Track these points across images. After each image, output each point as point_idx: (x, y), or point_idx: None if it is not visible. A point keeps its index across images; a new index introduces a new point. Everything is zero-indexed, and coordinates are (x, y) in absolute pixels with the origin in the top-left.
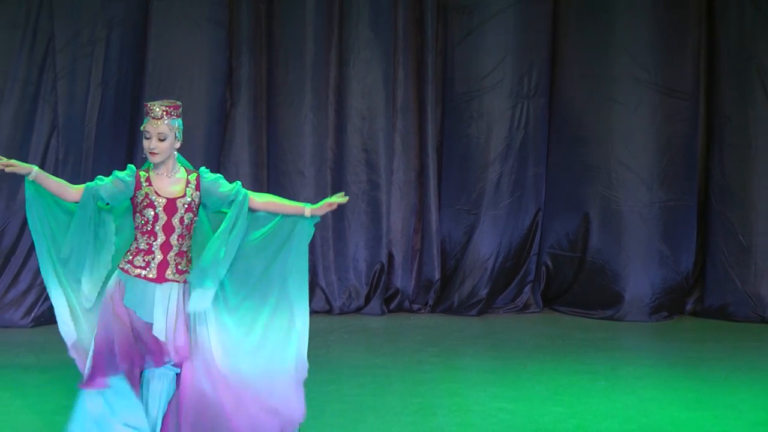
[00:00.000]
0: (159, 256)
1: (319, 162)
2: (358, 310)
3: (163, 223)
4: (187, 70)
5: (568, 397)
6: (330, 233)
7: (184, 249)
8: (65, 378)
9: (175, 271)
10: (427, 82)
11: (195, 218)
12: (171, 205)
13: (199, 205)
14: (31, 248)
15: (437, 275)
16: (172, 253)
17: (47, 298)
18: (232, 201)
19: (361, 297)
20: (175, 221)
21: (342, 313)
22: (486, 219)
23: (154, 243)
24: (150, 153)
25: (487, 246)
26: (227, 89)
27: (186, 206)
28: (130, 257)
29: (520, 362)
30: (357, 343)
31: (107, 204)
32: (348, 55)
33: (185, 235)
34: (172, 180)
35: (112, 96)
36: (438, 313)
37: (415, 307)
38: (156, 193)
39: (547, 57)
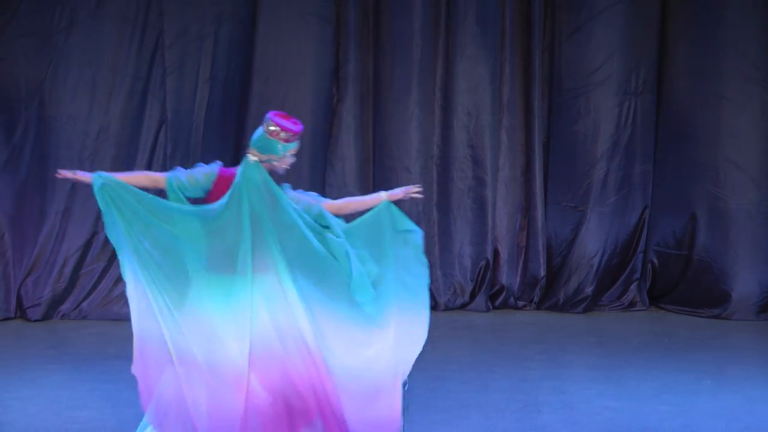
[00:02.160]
0: None
1: (424, 158)
2: (463, 306)
3: None
4: (294, 66)
5: (674, 396)
6: (435, 229)
7: None
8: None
9: None
10: (533, 78)
11: None
12: None
13: None
14: None
15: (543, 272)
16: None
17: None
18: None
19: (467, 293)
20: None
21: (447, 309)
22: (592, 216)
23: None
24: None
25: (593, 243)
26: (334, 85)
27: None
28: None
29: (626, 360)
30: (462, 339)
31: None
32: (455, 51)
33: None
34: None
35: (220, 91)
36: (543, 310)
37: (521, 303)
38: None
39: (655, 53)
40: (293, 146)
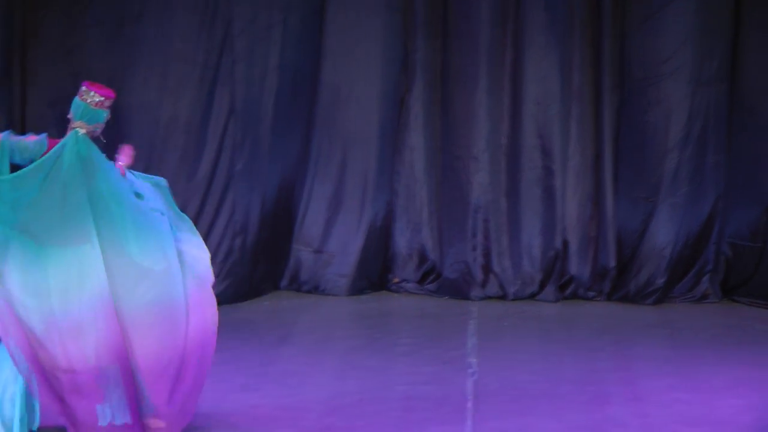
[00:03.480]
0: None
1: (493, 147)
2: (532, 296)
3: None
4: (362, 55)
5: (747, 390)
6: (504, 219)
7: None
8: (242, 357)
9: None
10: (603, 67)
11: None
12: None
13: None
14: (209, 228)
15: (613, 263)
16: None
17: (225, 278)
18: None
19: (535, 283)
20: None
21: (516, 299)
22: (664, 207)
23: None
24: None
25: (664, 234)
26: (402, 74)
27: None
28: None
29: (697, 352)
30: (531, 330)
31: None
32: (524, 39)
33: None
34: None
35: (288, 80)
36: (613, 301)
37: (590, 294)
38: None
39: (729, 42)
40: (107, 113)
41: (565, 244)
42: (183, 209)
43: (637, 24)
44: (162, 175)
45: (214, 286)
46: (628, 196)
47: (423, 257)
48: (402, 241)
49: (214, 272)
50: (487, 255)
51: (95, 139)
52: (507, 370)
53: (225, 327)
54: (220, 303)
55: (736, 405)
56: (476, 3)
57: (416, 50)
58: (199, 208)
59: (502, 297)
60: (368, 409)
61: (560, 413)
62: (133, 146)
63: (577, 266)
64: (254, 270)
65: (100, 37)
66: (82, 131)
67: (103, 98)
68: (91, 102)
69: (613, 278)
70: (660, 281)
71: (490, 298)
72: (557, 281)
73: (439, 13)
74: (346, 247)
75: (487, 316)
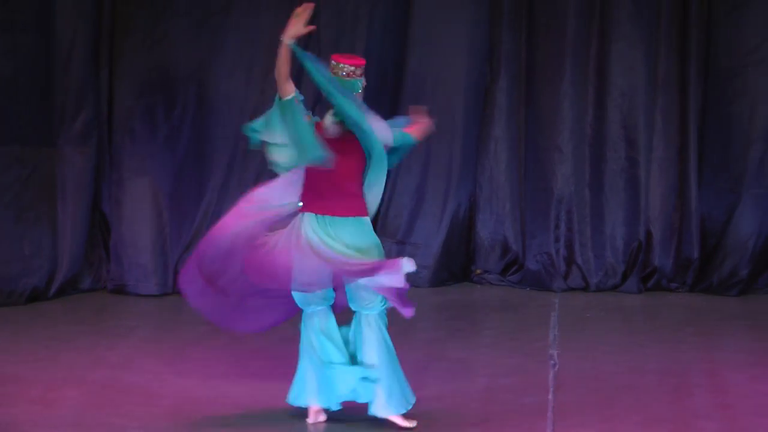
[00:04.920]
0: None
1: (577, 138)
2: (614, 287)
3: None
4: (447, 46)
5: None
6: (587, 210)
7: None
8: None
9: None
10: (689, 58)
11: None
12: None
13: None
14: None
15: (696, 254)
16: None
17: None
18: None
19: (618, 274)
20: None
21: (598, 290)
22: (748, 198)
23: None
24: None
25: (748, 225)
26: (487, 65)
27: None
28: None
29: None
30: (613, 320)
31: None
32: (609, 30)
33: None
34: None
35: (374, 71)
36: (696, 293)
37: (673, 285)
38: None
39: None
40: (362, 81)
41: (649, 235)
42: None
43: (723, 14)
44: (247, 166)
45: None
46: (712, 187)
47: (506, 248)
48: (485, 233)
49: None
50: (569, 246)
51: None
52: (588, 362)
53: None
54: None
55: None
56: None
57: (501, 42)
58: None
59: (585, 288)
60: (450, 402)
61: (642, 405)
62: (218, 137)
63: (660, 257)
64: None
65: (187, 27)
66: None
67: (353, 67)
68: (343, 74)
69: (696, 269)
70: (744, 273)
71: (572, 289)
72: (640, 272)
73: (525, 5)
74: (429, 238)
75: (570, 307)
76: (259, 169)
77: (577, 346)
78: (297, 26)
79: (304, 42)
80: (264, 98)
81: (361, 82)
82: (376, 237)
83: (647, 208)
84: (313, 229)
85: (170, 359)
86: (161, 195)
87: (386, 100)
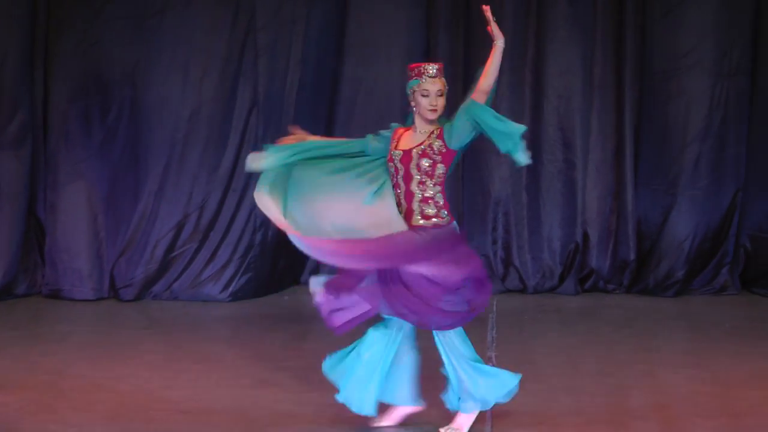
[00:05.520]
0: (404, 205)
1: None
2: (552, 289)
3: (403, 173)
4: (385, 48)
5: (765, 381)
6: (524, 212)
7: (429, 194)
8: (262, 352)
9: (420, 217)
10: (625, 60)
11: (439, 164)
12: (406, 155)
13: (444, 152)
14: (230, 223)
15: (633, 255)
16: (415, 201)
17: (245, 272)
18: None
19: (556, 276)
20: (413, 169)
21: (536, 292)
22: (683, 199)
23: (400, 193)
24: (431, 110)
25: (684, 226)
26: None
27: (420, 153)
28: None
29: (717, 345)
30: (551, 322)
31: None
32: (546, 33)
33: (425, 181)
34: (417, 134)
35: (310, 73)
36: (633, 294)
37: (610, 287)
38: (395, 147)
39: (750, 35)
40: (414, 83)
41: (586, 237)
42: (204, 203)
43: (658, 17)
44: (183, 170)
45: None
46: (648, 189)
47: None
48: None
49: (235, 267)
50: (507, 248)
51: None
52: (527, 364)
53: (245, 321)
54: (240, 297)
55: (755, 397)
56: None
57: (438, 43)
58: (221, 203)
59: (522, 290)
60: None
61: (581, 406)
62: (155, 140)
63: (597, 259)
64: (275, 264)
65: (123, 30)
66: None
67: (411, 69)
68: (414, 75)
69: (632, 271)
70: (679, 274)
71: (510, 291)
72: (577, 274)
73: (462, 8)
74: None
75: (507, 309)
76: (195, 172)
77: (515, 348)
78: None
79: (241, 48)
80: (201, 100)
81: (416, 83)
82: None
83: (584, 210)
84: None
85: (106, 364)
86: (96, 199)
87: (323, 103)
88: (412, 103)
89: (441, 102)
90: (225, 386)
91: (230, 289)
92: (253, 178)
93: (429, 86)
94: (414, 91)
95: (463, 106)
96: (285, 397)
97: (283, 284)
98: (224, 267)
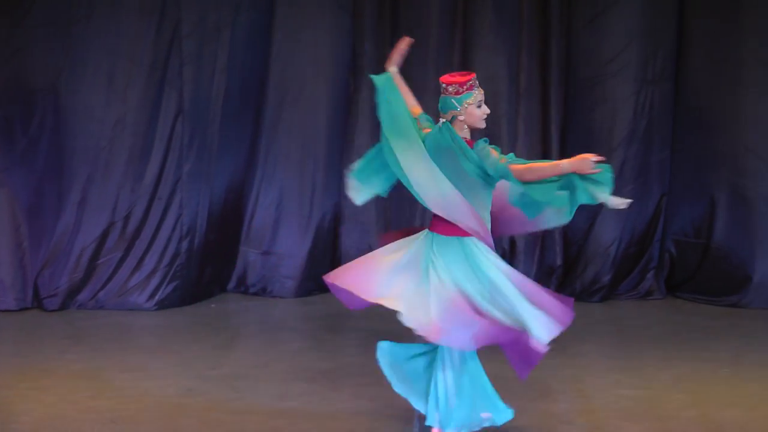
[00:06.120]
0: None
1: None
2: None
3: None
4: (311, 56)
5: (691, 385)
6: None
7: None
8: (188, 361)
9: None
10: (551, 67)
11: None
12: None
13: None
14: (156, 231)
15: (559, 261)
16: None
17: (171, 280)
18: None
19: None
20: None
21: None
22: None
23: None
24: (484, 120)
25: (610, 232)
26: (351, 74)
27: None
28: None
29: (643, 349)
30: None
31: None
32: (472, 39)
33: None
34: None
35: (237, 81)
36: None
37: None
38: None
39: (674, 41)
40: (468, 96)
41: (512, 243)
42: (130, 212)
43: (582, 24)
44: (108, 178)
45: None
46: None
47: None
48: (350, 242)
49: (161, 276)
50: None
51: (472, 129)
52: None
53: (171, 330)
54: (167, 306)
55: (681, 400)
56: (425, 3)
57: (365, 51)
58: (146, 211)
59: None
60: (317, 411)
61: None
62: (78, 148)
63: (524, 265)
64: (202, 272)
65: (45, 37)
66: (441, 121)
67: (444, 85)
68: (441, 92)
69: (559, 276)
70: (606, 279)
71: None
72: None
73: (388, 15)
74: (294, 248)
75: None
76: (120, 181)
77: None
78: None
79: (166, 55)
80: (126, 108)
81: (470, 96)
82: None
83: None
84: None
85: (31, 375)
86: (19, 209)
87: (250, 110)
88: (461, 116)
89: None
90: (152, 395)
91: (156, 297)
92: (180, 184)
93: (481, 96)
94: (469, 105)
95: (499, 162)
96: (212, 405)
97: (210, 292)
98: (150, 275)
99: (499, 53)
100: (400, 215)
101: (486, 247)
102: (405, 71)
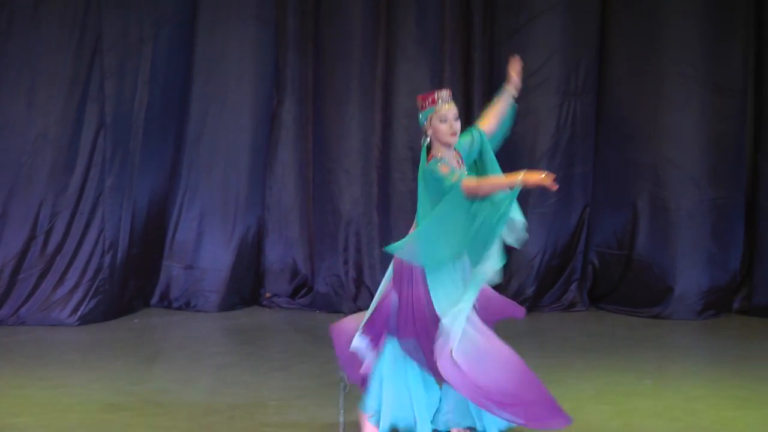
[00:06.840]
0: None
1: (364, 160)
2: None
3: None
4: (234, 69)
5: (615, 396)
6: (376, 232)
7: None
8: (112, 376)
9: None
10: (473, 79)
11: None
12: None
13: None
14: (78, 246)
15: None
16: None
17: (94, 295)
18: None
19: None
20: None
21: None
22: (532, 217)
23: None
24: (452, 134)
25: (533, 244)
26: (274, 87)
27: None
28: None
29: (566, 360)
30: None
31: None
32: (395, 52)
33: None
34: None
35: (159, 94)
36: None
37: None
38: None
39: (596, 54)
40: (430, 111)
41: None
42: (52, 226)
43: (505, 37)
44: (31, 192)
45: None
46: None
47: (295, 271)
48: (274, 256)
49: (84, 291)
50: (359, 268)
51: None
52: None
53: (94, 345)
54: (90, 321)
55: (604, 411)
56: (348, 16)
57: (288, 64)
58: (69, 225)
59: None
60: (241, 426)
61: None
62: None
63: None
64: (124, 287)
65: None
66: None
67: (420, 101)
68: (420, 108)
69: None
70: (529, 291)
71: (362, 310)
72: None
73: (311, 27)
74: (218, 262)
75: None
76: (41, 195)
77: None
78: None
79: (88, 69)
80: (48, 122)
81: (431, 111)
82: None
83: None
84: None
85: None
86: None
87: (172, 123)
88: (429, 132)
89: (458, 126)
90: (74, 411)
91: (79, 312)
92: (102, 198)
93: (446, 111)
94: (431, 119)
95: (447, 180)
96: (136, 421)
97: (133, 307)
98: (73, 290)
99: (423, 66)
100: (323, 229)
101: None
102: (328, 85)
